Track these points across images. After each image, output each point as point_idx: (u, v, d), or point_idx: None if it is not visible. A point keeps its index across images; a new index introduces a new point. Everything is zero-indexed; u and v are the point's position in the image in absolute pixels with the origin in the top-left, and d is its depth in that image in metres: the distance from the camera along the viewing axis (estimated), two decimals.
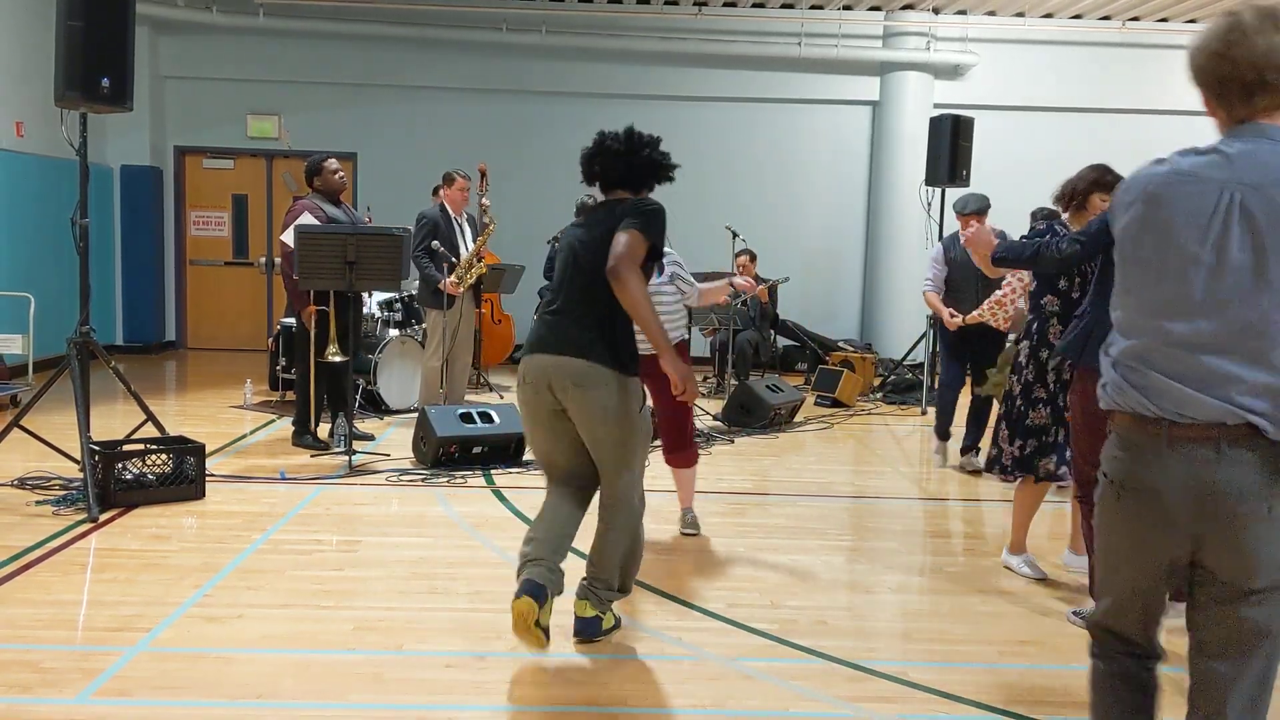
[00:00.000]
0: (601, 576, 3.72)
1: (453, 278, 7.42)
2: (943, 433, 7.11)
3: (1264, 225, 1.93)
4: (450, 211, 7.80)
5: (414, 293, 8.64)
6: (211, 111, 12.12)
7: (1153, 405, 2.01)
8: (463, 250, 7.68)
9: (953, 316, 6.82)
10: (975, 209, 6.72)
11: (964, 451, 7.04)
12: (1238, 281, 1.95)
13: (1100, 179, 4.35)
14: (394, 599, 4.16)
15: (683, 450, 5.08)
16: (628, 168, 3.73)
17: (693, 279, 5.22)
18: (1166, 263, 2.02)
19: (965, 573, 4.79)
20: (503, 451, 6.63)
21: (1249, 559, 1.96)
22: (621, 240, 3.45)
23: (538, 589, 3.45)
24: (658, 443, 5.19)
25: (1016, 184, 11.85)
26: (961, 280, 6.93)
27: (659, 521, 5.29)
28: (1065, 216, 4.44)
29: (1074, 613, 4.22)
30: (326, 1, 11.57)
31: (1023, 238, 4.50)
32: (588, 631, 3.75)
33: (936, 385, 7.42)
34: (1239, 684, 2.07)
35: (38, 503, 5.31)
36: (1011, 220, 12.01)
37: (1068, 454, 4.45)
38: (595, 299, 3.54)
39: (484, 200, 7.84)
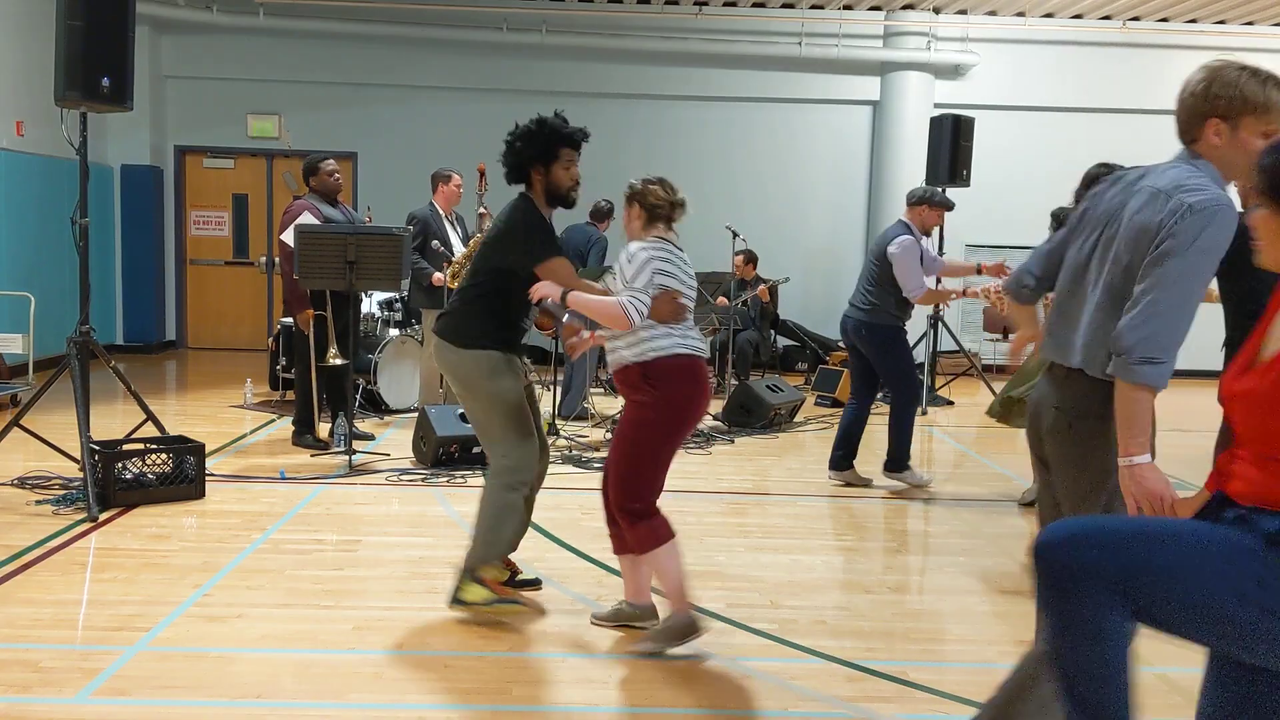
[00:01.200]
0: (471, 544, 3.96)
1: (447, 274, 7.44)
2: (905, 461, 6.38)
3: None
4: (440, 211, 7.82)
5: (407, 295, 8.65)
6: (212, 111, 12.12)
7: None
8: (456, 247, 7.69)
9: (956, 298, 6.30)
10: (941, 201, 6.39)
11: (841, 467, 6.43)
12: None
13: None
14: (394, 599, 4.16)
15: (625, 524, 3.67)
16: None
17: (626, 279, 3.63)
18: None
19: (965, 572, 4.79)
20: None
21: (1056, 460, 2.66)
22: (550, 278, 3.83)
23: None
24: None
25: (1017, 184, 11.89)
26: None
27: None
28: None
29: None
30: (326, 1, 11.57)
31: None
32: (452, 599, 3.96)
33: (899, 404, 6.34)
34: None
35: (38, 502, 5.31)
36: (1011, 220, 12.09)
37: None
38: (469, 284, 4.03)
39: (482, 209, 7.83)
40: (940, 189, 9.70)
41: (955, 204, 6.58)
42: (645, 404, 3.61)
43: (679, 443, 3.70)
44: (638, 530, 3.63)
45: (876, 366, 6.29)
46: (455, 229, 7.91)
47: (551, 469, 6.62)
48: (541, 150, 3.90)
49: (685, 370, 3.62)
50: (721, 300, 9.47)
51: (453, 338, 3.96)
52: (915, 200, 6.37)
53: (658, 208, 3.71)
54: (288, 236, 6.50)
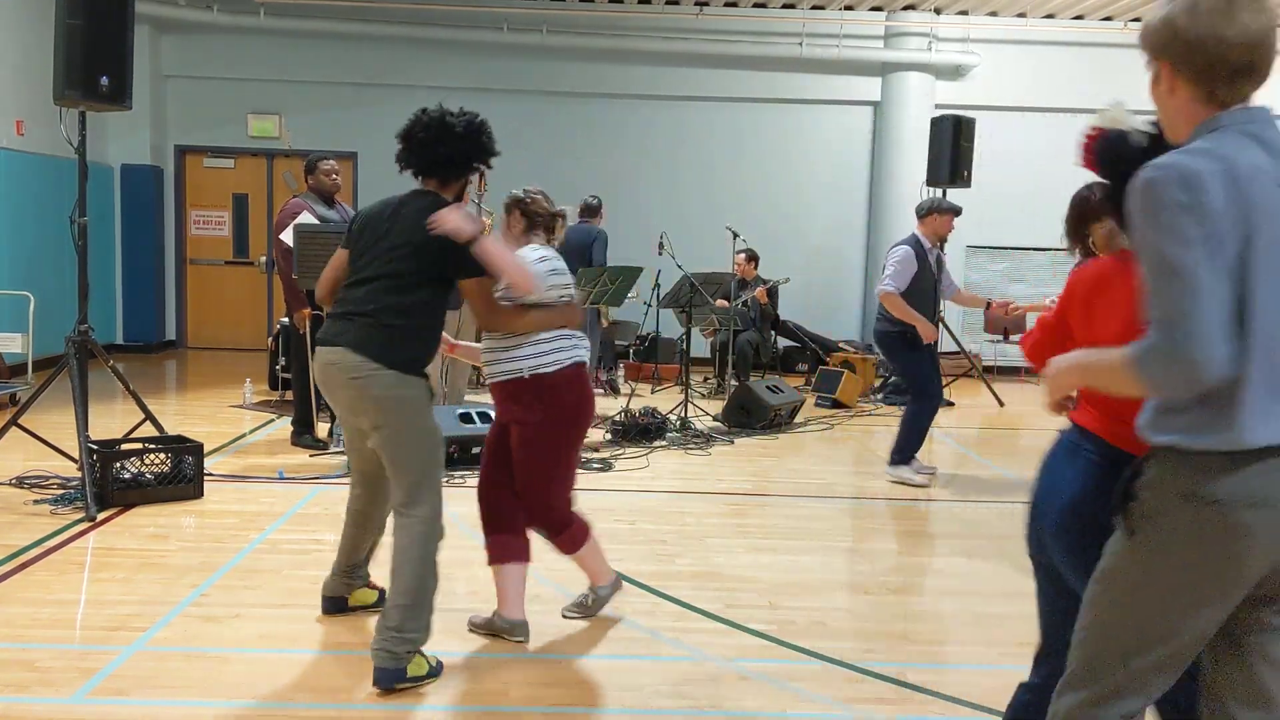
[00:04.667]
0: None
1: None
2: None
3: None
4: None
5: None
6: (212, 111, 12.12)
7: None
8: None
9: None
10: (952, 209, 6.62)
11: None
12: None
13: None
14: None
15: (550, 536, 3.88)
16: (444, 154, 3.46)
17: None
18: None
19: (964, 574, 4.78)
20: None
21: None
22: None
23: None
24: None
25: (1018, 185, 11.88)
26: (922, 291, 6.38)
27: (656, 521, 5.31)
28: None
29: None
30: (326, 1, 11.57)
31: None
32: None
33: (910, 407, 6.52)
34: None
35: (36, 502, 5.30)
36: (1012, 221, 12.09)
37: None
38: (404, 298, 3.37)
39: (485, 209, 7.83)
40: (943, 194, 9.74)
41: (961, 207, 6.71)
42: (534, 422, 3.63)
43: (579, 447, 3.83)
44: (562, 540, 3.85)
45: (893, 370, 6.51)
46: None
47: None
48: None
49: (574, 381, 3.68)
50: (721, 302, 9.46)
51: (397, 362, 3.31)
52: (924, 212, 6.62)
53: (538, 216, 3.80)
54: (286, 235, 6.49)
